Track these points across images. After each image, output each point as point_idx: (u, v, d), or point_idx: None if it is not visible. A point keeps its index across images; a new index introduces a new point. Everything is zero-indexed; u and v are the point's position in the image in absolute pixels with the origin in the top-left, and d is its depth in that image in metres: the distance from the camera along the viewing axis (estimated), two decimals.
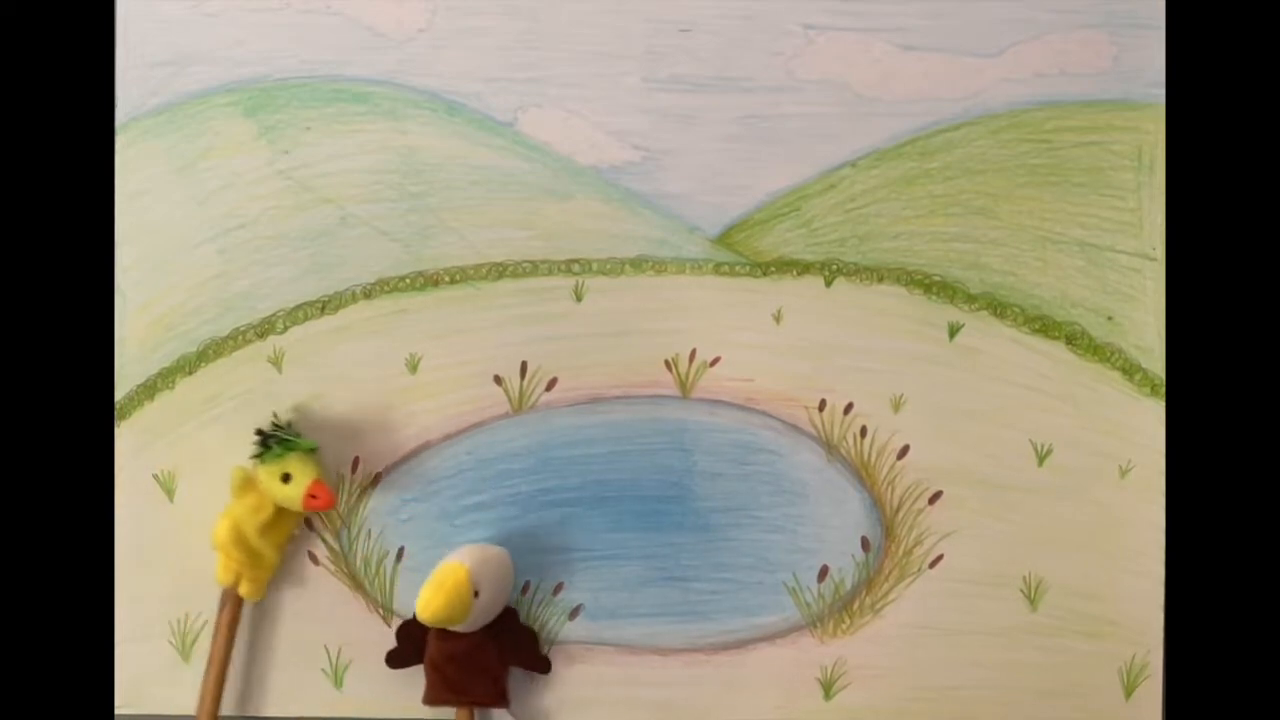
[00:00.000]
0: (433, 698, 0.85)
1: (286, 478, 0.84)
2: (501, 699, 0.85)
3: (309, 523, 0.88)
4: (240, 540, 0.84)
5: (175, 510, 0.88)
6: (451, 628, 0.83)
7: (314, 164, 0.88)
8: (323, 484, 0.84)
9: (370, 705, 0.87)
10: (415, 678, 0.87)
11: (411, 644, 0.86)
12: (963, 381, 0.87)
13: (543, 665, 0.86)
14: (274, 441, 0.84)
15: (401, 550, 0.88)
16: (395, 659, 0.86)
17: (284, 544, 0.86)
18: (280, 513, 0.85)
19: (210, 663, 0.85)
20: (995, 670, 0.87)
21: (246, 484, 0.84)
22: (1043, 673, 0.87)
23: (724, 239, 0.88)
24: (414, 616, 0.84)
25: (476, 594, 0.82)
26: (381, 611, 0.88)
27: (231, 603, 0.85)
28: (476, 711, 0.86)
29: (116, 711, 0.87)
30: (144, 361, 0.88)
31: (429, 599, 0.81)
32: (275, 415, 0.86)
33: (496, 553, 0.85)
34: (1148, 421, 0.87)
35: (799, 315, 0.88)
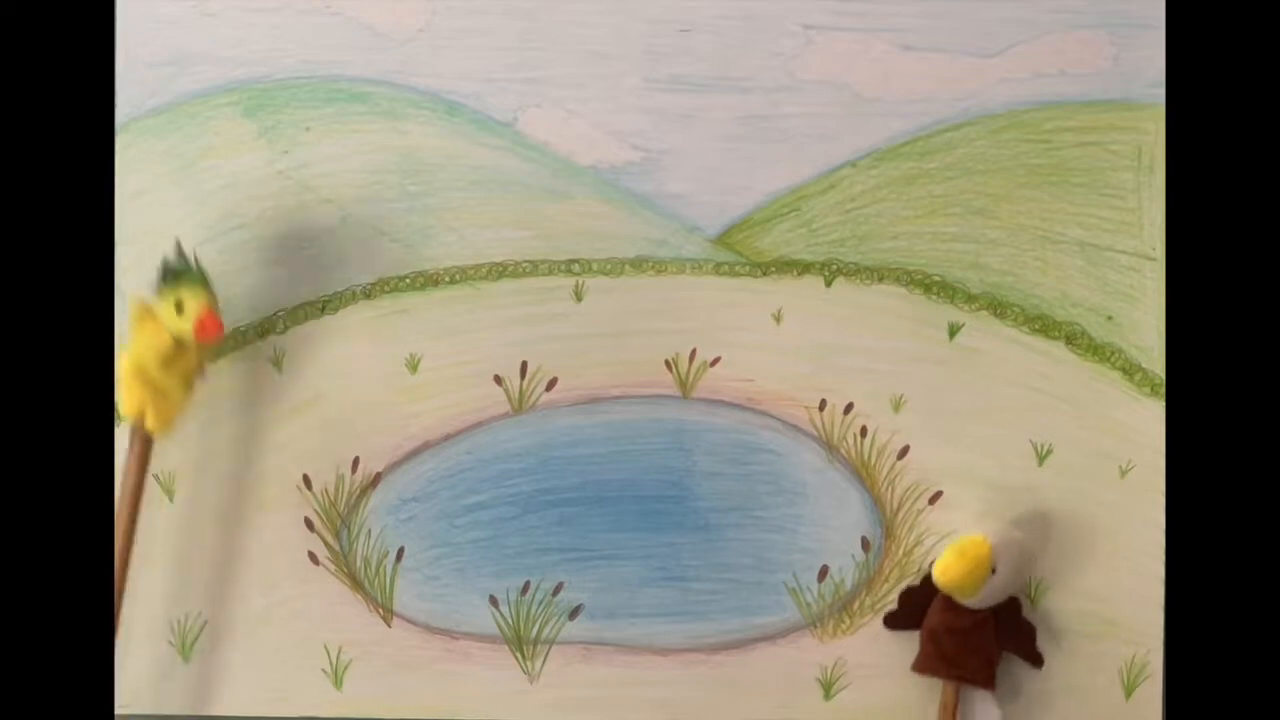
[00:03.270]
0: (925, 667, 0.85)
1: (180, 309, 0.82)
2: (991, 681, 0.85)
3: (309, 523, 0.88)
4: (139, 372, 0.82)
5: (175, 510, 0.88)
6: (961, 600, 0.83)
7: (314, 164, 0.88)
8: (212, 313, 0.81)
9: (370, 705, 0.87)
10: (414, 679, 0.87)
11: (912, 610, 0.85)
12: (963, 381, 0.87)
13: (1037, 660, 0.86)
14: (169, 271, 0.82)
15: (401, 550, 0.88)
16: (894, 620, 0.86)
17: (190, 378, 0.83)
18: (181, 345, 0.82)
19: (121, 502, 0.83)
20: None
21: (144, 315, 0.82)
22: (1043, 673, 0.87)
23: (724, 239, 0.88)
24: (921, 582, 0.85)
25: (993, 571, 0.82)
26: (381, 611, 0.88)
27: (139, 439, 0.83)
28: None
29: (116, 711, 0.86)
30: None
31: (949, 564, 0.81)
32: (178, 242, 0.83)
33: (1020, 538, 0.85)
34: (1148, 421, 0.87)
35: (799, 315, 0.88)
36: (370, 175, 0.88)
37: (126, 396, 0.83)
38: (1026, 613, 0.86)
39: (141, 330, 0.82)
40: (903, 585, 0.87)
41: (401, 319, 0.88)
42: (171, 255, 0.83)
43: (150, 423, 0.83)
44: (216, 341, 0.83)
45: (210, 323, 0.81)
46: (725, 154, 0.88)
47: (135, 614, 0.87)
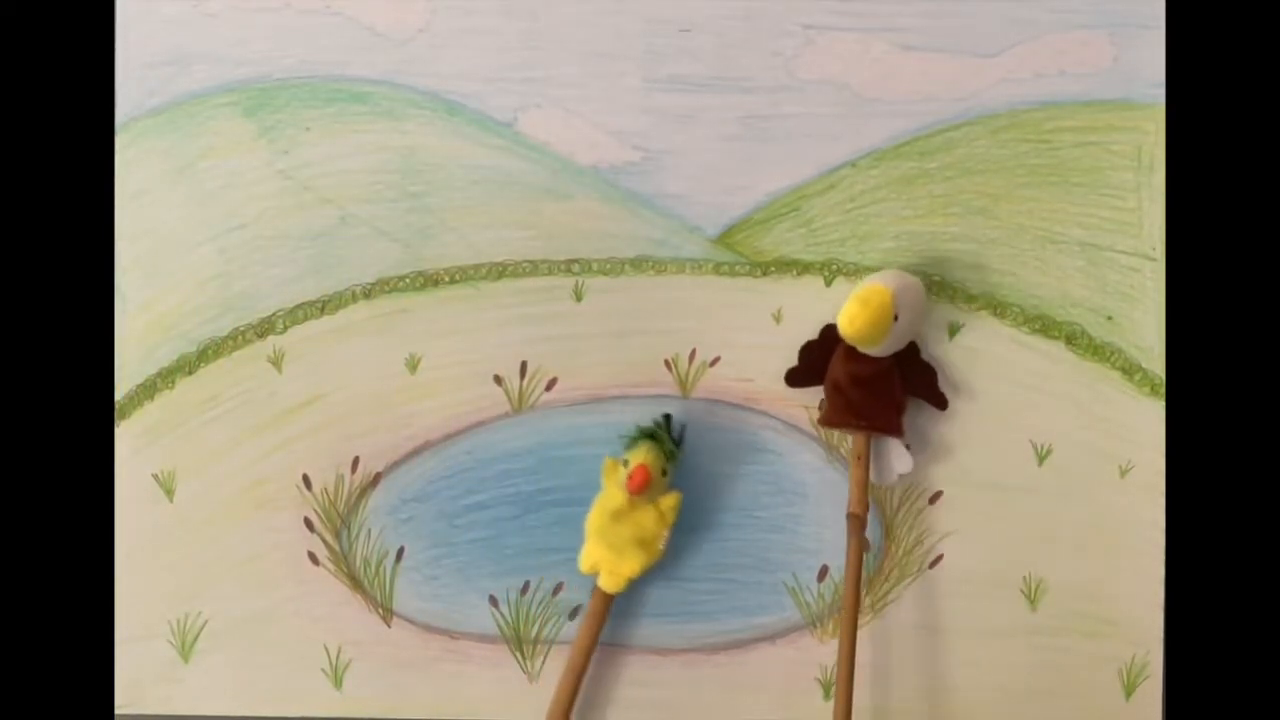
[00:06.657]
0: (833, 420, 0.85)
1: (627, 464, 0.83)
2: (900, 428, 0.84)
3: (308, 523, 0.88)
4: (597, 528, 0.83)
5: (175, 510, 0.88)
6: (865, 349, 0.82)
7: (314, 164, 0.88)
8: (644, 468, 0.81)
9: (370, 705, 0.88)
10: (414, 679, 0.87)
11: (813, 365, 0.85)
12: (963, 381, 0.87)
13: (941, 401, 0.85)
14: (641, 432, 0.84)
15: (401, 550, 0.88)
16: (796, 378, 0.86)
17: (648, 540, 0.84)
18: (635, 506, 0.83)
19: (573, 651, 0.85)
20: (995, 670, 0.87)
21: (609, 472, 0.84)
22: (1043, 673, 0.87)
23: (724, 239, 0.88)
24: (818, 337, 0.85)
25: (895, 318, 0.81)
26: (381, 611, 0.88)
27: (595, 594, 0.85)
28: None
29: (116, 711, 0.87)
30: (144, 361, 0.88)
31: (855, 314, 0.80)
32: (668, 416, 0.86)
33: (914, 281, 0.84)
34: (1148, 421, 0.87)
35: (799, 315, 0.88)
36: (370, 175, 0.88)
37: (586, 550, 0.84)
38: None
39: (607, 486, 0.84)
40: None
41: (401, 319, 0.88)
42: (657, 418, 0.85)
43: (603, 580, 0.84)
44: (641, 495, 0.82)
45: (638, 474, 0.81)
46: (725, 154, 0.88)
47: (135, 614, 0.87)
